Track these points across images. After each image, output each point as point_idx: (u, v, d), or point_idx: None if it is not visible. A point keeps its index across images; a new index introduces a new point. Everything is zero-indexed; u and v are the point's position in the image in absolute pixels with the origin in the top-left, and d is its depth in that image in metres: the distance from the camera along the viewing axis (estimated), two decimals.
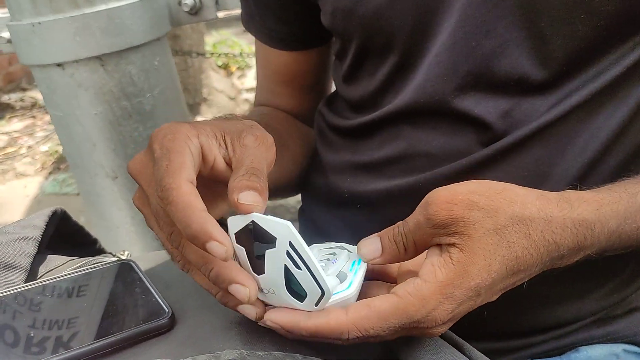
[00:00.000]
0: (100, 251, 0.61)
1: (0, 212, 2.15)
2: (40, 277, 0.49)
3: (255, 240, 0.35)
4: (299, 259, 0.34)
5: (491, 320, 0.53)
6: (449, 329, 0.43)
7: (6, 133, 3.16)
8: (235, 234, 0.36)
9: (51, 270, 0.50)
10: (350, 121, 0.58)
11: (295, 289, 0.36)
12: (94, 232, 0.92)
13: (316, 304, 0.36)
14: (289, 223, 0.34)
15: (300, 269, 0.35)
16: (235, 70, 3.30)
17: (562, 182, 0.47)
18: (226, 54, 2.84)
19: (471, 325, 0.51)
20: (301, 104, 0.69)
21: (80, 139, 0.88)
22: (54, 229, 0.53)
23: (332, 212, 0.61)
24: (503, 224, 0.37)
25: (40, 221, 0.51)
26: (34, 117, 3.32)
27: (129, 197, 0.91)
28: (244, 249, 0.36)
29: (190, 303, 0.44)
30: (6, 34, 0.88)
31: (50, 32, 0.80)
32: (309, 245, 0.42)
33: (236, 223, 0.36)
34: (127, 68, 0.85)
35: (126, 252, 0.62)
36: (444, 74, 0.48)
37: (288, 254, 0.34)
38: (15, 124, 3.28)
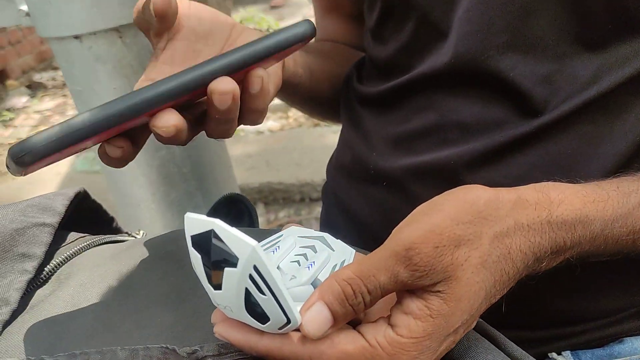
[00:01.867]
0: (117, 230, 0.60)
1: (32, 190, 2.18)
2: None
3: (214, 251, 0.30)
4: (264, 285, 0.29)
5: (528, 309, 0.49)
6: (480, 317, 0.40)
7: (38, 112, 3.21)
8: (192, 236, 0.31)
9: (60, 247, 0.49)
10: (378, 88, 0.55)
11: (256, 311, 0.31)
12: (117, 210, 0.91)
13: (280, 329, 0.31)
14: (255, 245, 0.28)
15: (265, 295, 0.30)
16: None
17: (609, 162, 0.43)
18: None
19: (506, 313, 0.47)
20: (347, 32, 0.70)
21: None
22: (72, 209, 0.52)
23: (356, 189, 0.57)
24: (488, 252, 0.32)
25: (60, 205, 0.48)
26: (65, 95, 3.36)
27: (150, 174, 0.89)
28: (199, 256, 0.31)
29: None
30: (25, 7, 0.86)
31: (67, 3, 0.77)
32: (281, 230, 0.37)
33: (194, 224, 0.31)
34: (145, 40, 0.82)
35: (141, 232, 0.60)
36: (476, 30, 0.44)
37: (251, 277, 0.29)
38: (47, 103, 3.33)
